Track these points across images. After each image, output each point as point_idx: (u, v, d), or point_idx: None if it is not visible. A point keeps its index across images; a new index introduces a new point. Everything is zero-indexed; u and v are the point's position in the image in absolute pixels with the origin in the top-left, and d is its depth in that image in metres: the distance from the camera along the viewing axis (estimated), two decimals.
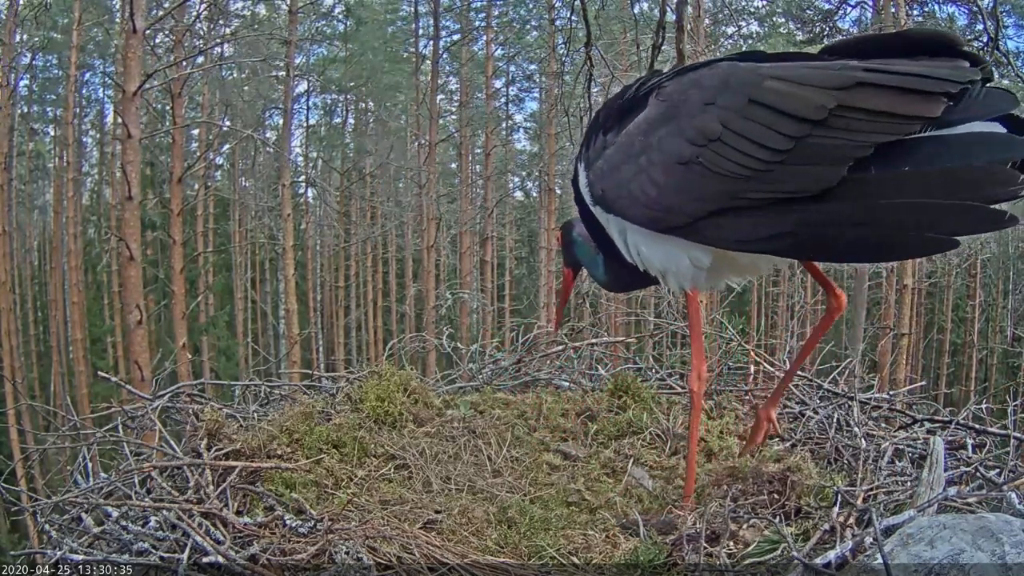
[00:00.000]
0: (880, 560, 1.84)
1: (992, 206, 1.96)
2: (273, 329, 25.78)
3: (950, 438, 3.11)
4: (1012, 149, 1.99)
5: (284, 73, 17.77)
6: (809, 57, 2.35)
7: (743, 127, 2.12)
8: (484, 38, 23.24)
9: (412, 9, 23.25)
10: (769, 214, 2.14)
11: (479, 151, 26.56)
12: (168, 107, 18.88)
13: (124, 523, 2.57)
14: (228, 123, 21.28)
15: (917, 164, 2.03)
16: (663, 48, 5.79)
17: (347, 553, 2.28)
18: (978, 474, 2.71)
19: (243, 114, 22.22)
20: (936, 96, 1.98)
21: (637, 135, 2.37)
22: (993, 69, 2.18)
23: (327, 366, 22.87)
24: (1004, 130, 2.03)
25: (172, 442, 3.18)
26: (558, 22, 17.94)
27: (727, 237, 2.23)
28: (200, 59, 18.17)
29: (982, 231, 2.07)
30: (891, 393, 4.13)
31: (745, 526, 2.43)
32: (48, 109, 26.41)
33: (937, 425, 3.32)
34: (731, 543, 2.36)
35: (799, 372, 4.10)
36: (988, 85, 2.07)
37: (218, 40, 18.88)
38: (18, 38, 18.21)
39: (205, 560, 2.28)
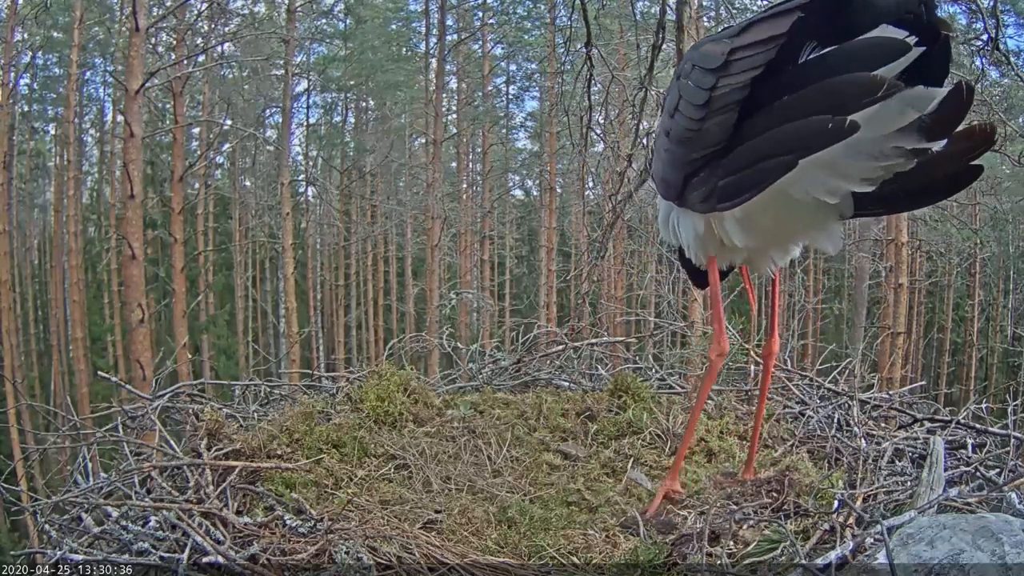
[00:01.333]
0: (880, 560, 1.84)
1: (852, 118, 1.78)
2: (273, 328, 25.73)
3: (950, 438, 3.11)
4: (883, 52, 1.79)
5: (284, 72, 17.78)
6: None
7: (686, 92, 2.14)
8: (484, 37, 23.19)
9: (418, 7, 23.32)
10: (708, 171, 2.16)
11: (479, 150, 26.55)
12: (169, 106, 18.90)
13: (124, 523, 2.58)
14: (229, 122, 21.28)
15: (788, 91, 1.92)
16: (663, 48, 5.78)
17: (347, 553, 2.28)
18: (978, 474, 2.71)
19: (244, 113, 22.22)
20: (785, 13, 1.85)
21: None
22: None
23: (327, 365, 22.82)
24: (904, 33, 1.80)
25: (172, 442, 3.18)
26: (558, 22, 17.93)
27: (694, 200, 2.26)
28: (201, 58, 18.18)
29: (823, 145, 1.85)
30: (890, 392, 4.13)
31: (745, 526, 2.43)
32: (49, 108, 26.38)
33: (937, 425, 3.33)
34: (731, 543, 2.36)
35: (799, 372, 4.10)
36: None
37: (219, 39, 18.89)
38: (18, 37, 18.21)
39: (205, 560, 2.28)
